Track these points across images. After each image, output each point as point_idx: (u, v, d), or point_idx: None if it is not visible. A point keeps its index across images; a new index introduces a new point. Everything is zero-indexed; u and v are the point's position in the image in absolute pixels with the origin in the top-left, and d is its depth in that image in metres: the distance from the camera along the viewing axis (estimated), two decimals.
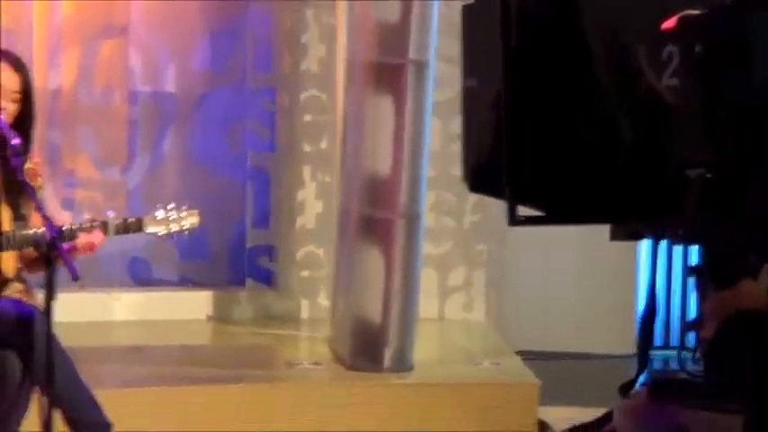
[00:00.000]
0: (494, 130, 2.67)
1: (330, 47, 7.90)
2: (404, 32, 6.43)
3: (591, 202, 2.66)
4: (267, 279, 8.54)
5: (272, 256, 8.55)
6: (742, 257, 2.53)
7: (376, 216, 6.97)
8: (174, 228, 5.31)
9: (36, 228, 4.95)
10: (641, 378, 2.74)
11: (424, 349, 7.15)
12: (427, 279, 8.02)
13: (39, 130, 7.64)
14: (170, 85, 8.38)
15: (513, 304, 7.71)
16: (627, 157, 2.56)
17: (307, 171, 8.39)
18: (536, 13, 2.59)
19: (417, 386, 6.79)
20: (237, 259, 8.58)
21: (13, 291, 5.12)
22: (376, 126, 6.44)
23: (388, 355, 7.07)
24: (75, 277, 4.72)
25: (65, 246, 4.78)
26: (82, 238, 5.04)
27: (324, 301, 8.00)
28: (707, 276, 2.60)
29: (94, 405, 5.09)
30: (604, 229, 3.25)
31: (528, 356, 7.12)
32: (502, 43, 2.59)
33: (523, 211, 3.03)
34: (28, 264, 5.10)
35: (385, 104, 6.64)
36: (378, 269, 7.01)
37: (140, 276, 8.43)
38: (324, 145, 7.97)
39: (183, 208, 5.33)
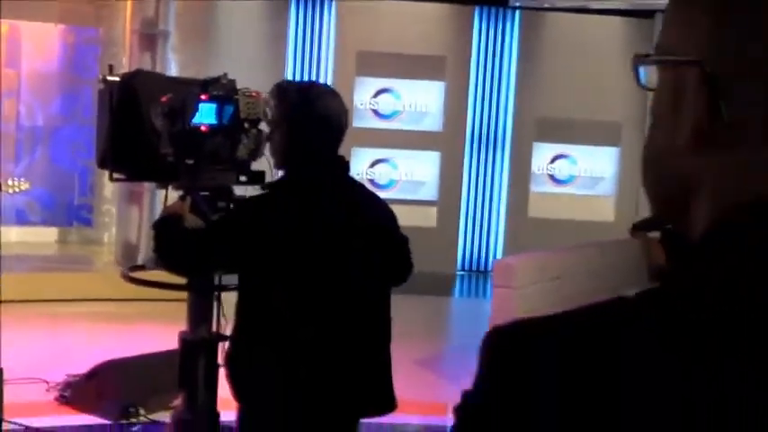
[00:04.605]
0: (109, 140, 3.05)
1: None
2: None
3: (146, 173, 2.94)
4: (87, 222, 9.71)
5: (89, 210, 9.60)
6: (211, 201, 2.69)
7: (136, 190, 7.46)
8: (17, 189, 5.21)
9: None
10: None
11: None
12: None
13: None
14: (40, 122, 8.78)
15: None
16: (161, 154, 2.72)
17: None
18: (122, 99, 2.78)
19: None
20: (71, 211, 9.52)
21: None
22: None
23: (140, 258, 8.00)
24: None
25: None
26: None
27: (114, 232, 8.97)
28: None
29: None
30: None
31: None
32: (108, 105, 2.83)
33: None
34: None
35: None
36: (135, 217, 7.56)
37: (22, 219, 9.22)
38: None
39: (21, 179, 5.32)
